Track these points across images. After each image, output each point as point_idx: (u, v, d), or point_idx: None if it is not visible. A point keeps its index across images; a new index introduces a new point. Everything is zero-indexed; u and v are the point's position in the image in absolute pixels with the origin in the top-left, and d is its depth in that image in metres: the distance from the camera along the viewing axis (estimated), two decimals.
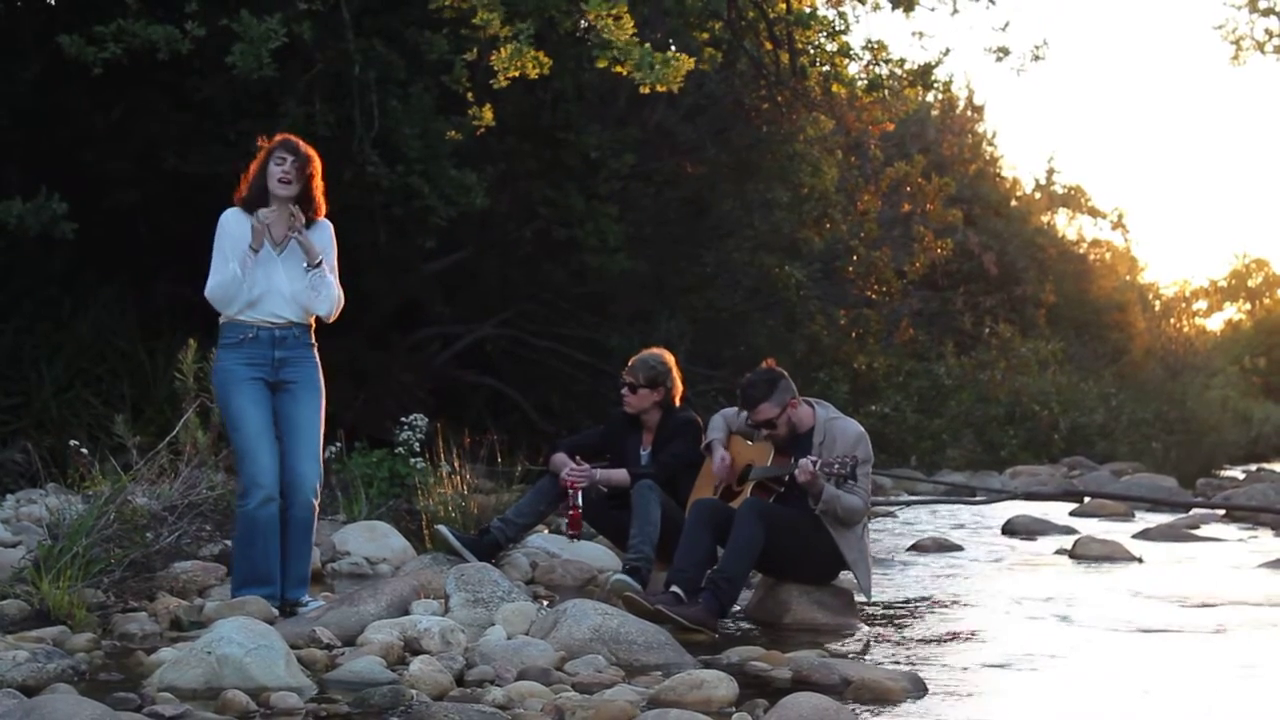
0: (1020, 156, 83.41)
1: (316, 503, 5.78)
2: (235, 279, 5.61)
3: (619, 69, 9.12)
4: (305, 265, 5.69)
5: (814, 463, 6.04)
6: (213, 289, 5.65)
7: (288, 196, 5.70)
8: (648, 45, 8.97)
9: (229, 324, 5.70)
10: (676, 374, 7.25)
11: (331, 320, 5.85)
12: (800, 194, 16.27)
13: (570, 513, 7.04)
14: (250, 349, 5.66)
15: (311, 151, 5.78)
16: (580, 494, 7.00)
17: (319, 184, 5.79)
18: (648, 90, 9.16)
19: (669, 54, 8.88)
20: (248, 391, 5.64)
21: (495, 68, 9.17)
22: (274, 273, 5.68)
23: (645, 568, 6.52)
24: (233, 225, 5.71)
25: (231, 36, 9.22)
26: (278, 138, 5.81)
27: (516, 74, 9.17)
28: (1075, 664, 5.40)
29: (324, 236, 5.82)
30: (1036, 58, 14.20)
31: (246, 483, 5.62)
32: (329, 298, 5.74)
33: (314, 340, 5.83)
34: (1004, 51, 13.90)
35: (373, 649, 4.83)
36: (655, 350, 7.35)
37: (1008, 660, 5.40)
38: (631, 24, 8.90)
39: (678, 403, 7.25)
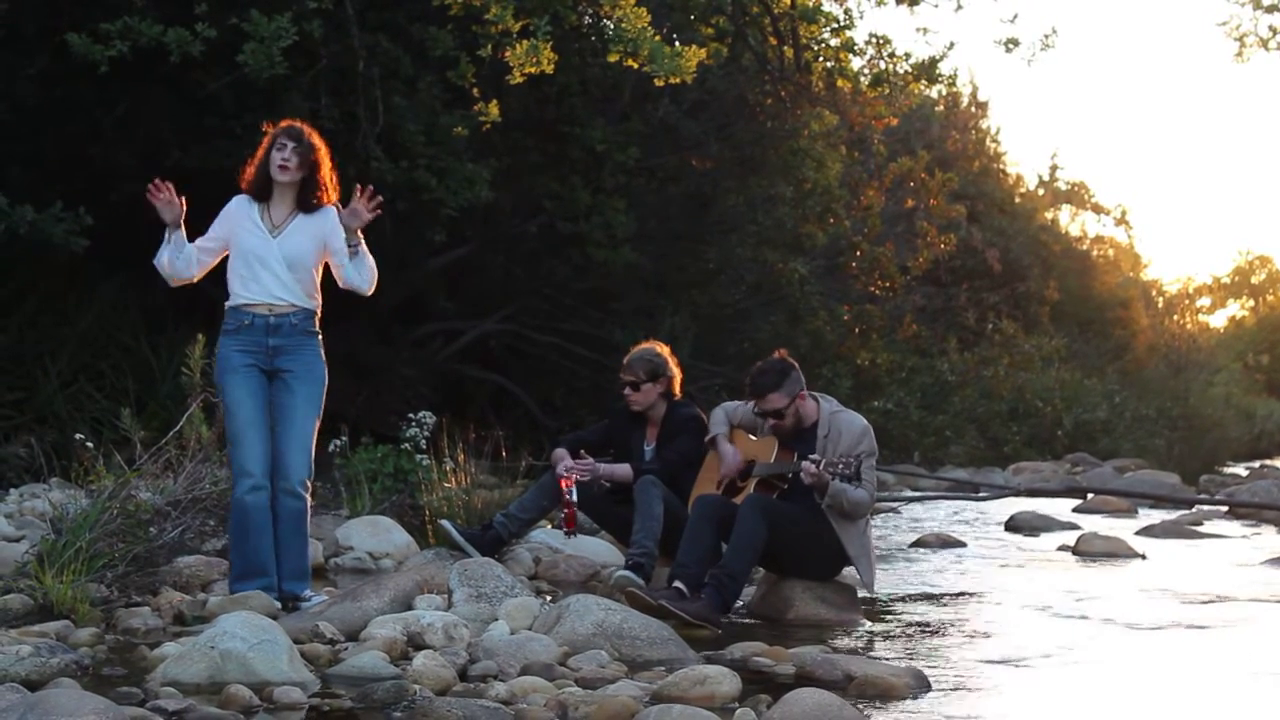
0: (1024, 153, 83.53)
1: (307, 494, 5.76)
2: (160, 262, 5.77)
3: (630, 62, 9.09)
4: (349, 246, 5.68)
5: (818, 463, 6.04)
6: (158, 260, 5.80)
7: (289, 183, 5.70)
8: (658, 38, 8.95)
9: (230, 310, 5.72)
10: (673, 363, 7.26)
11: (368, 293, 5.84)
12: (803, 189, 16.26)
13: (565, 510, 7.03)
14: (246, 336, 5.66)
15: (317, 139, 5.75)
16: (574, 491, 6.98)
17: (326, 170, 5.76)
18: (662, 83, 9.11)
19: (679, 47, 8.87)
20: (242, 379, 5.64)
21: (510, 64, 9.14)
22: (269, 255, 5.67)
23: (648, 563, 6.52)
24: (231, 209, 5.77)
25: (239, 34, 9.21)
26: (283, 123, 5.80)
27: (534, 70, 9.12)
28: (1078, 660, 5.39)
29: (328, 222, 5.77)
30: (1046, 47, 14.18)
31: (235, 470, 5.66)
32: (370, 276, 5.75)
33: (317, 329, 5.78)
34: (1013, 42, 13.87)
35: (376, 644, 4.82)
36: (647, 344, 7.36)
37: (1010, 656, 5.40)
38: (647, 15, 8.87)
39: (678, 393, 7.26)
